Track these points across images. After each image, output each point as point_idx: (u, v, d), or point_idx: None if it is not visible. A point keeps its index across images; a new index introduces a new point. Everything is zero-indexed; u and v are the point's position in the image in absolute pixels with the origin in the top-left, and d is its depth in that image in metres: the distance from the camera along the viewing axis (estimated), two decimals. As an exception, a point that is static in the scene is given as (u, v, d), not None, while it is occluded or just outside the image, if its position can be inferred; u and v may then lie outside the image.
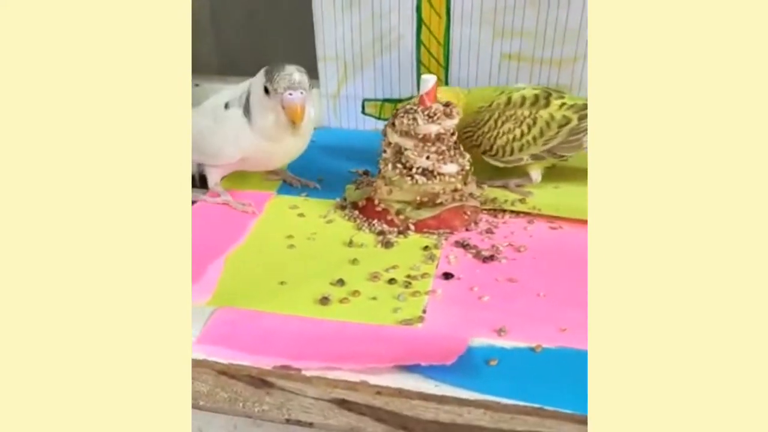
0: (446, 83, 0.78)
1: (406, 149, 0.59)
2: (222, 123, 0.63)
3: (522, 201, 0.64)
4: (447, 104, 0.60)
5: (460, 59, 0.76)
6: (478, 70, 0.77)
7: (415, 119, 0.59)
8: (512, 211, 0.63)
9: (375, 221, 0.61)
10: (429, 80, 0.59)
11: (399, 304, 0.50)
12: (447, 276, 0.53)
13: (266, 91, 0.59)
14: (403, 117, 0.59)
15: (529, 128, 0.63)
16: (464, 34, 0.75)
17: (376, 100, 0.82)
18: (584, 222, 0.59)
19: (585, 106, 0.64)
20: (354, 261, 0.55)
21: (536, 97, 0.64)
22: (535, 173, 0.66)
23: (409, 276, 0.53)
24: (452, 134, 0.60)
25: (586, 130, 0.62)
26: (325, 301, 0.50)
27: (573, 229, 0.60)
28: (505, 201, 0.64)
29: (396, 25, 0.76)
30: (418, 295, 0.51)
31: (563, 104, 0.64)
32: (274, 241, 0.59)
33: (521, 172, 0.67)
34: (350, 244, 0.58)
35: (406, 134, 0.59)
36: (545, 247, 0.57)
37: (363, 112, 0.83)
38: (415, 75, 0.78)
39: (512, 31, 0.74)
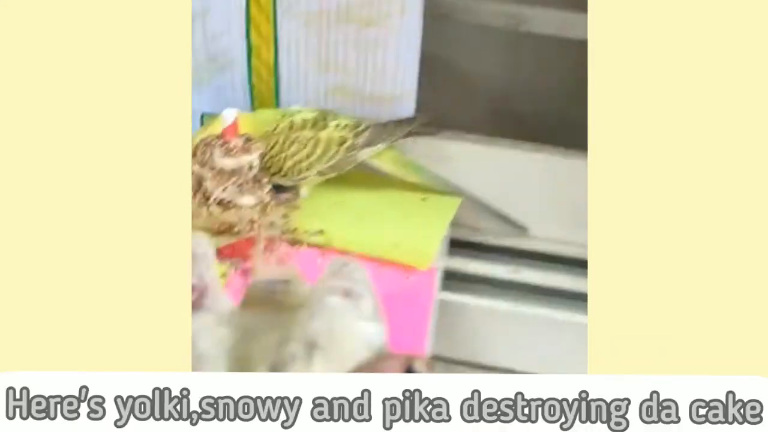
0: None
1: (205, 180, 0.63)
2: None
3: (321, 233, 0.69)
4: (248, 139, 0.64)
5: (290, 87, 0.80)
6: (307, 99, 0.80)
7: (212, 153, 0.62)
8: (309, 244, 0.67)
9: (173, 245, 0.64)
10: (229, 115, 0.63)
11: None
12: (221, 306, 0.57)
13: None
14: (204, 149, 0.63)
15: (314, 149, 0.69)
16: (292, 64, 0.79)
17: (214, 114, 0.84)
18: (370, 258, 0.65)
19: (358, 124, 0.71)
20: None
21: (315, 120, 0.70)
22: (305, 190, 0.72)
23: (186, 304, 0.57)
24: (250, 168, 0.64)
25: (360, 145, 0.70)
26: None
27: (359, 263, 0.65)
28: (305, 232, 0.68)
29: (228, 48, 0.79)
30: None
31: (338, 125, 0.70)
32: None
33: (291, 187, 0.72)
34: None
35: (205, 165, 0.63)
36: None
37: (202, 125, 0.85)
38: (249, 96, 0.82)
39: (336, 66, 0.78)
